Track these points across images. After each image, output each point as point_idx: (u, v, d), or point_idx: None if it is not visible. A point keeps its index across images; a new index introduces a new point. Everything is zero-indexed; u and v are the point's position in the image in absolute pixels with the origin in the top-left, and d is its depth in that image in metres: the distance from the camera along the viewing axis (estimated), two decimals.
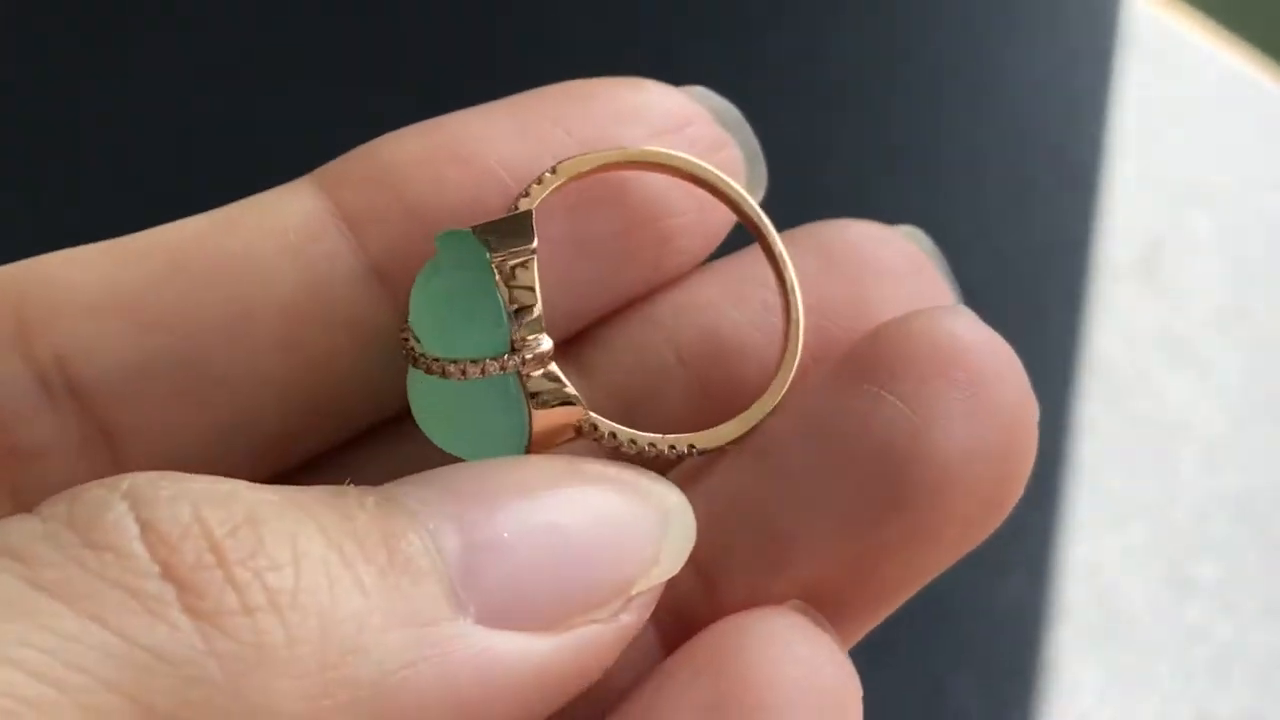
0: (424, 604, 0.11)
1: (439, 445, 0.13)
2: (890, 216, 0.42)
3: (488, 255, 0.13)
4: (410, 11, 0.45)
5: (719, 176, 0.15)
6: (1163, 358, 0.43)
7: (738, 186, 0.15)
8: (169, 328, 0.14)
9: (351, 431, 0.15)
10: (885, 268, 0.15)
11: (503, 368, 0.13)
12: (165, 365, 0.14)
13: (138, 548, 0.10)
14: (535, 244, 0.13)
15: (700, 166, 0.15)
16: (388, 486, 0.12)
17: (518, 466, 0.13)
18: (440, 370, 0.13)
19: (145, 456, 0.14)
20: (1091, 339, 0.41)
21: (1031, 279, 0.43)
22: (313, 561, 0.11)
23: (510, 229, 0.14)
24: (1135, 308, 0.43)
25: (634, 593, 0.12)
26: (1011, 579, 0.38)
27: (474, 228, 0.13)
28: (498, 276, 0.13)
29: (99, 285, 0.14)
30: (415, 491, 0.12)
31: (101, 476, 0.13)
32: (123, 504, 0.10)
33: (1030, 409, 0.13)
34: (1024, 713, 0.36)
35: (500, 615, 0.12)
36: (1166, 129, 0.47)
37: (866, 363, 0.13)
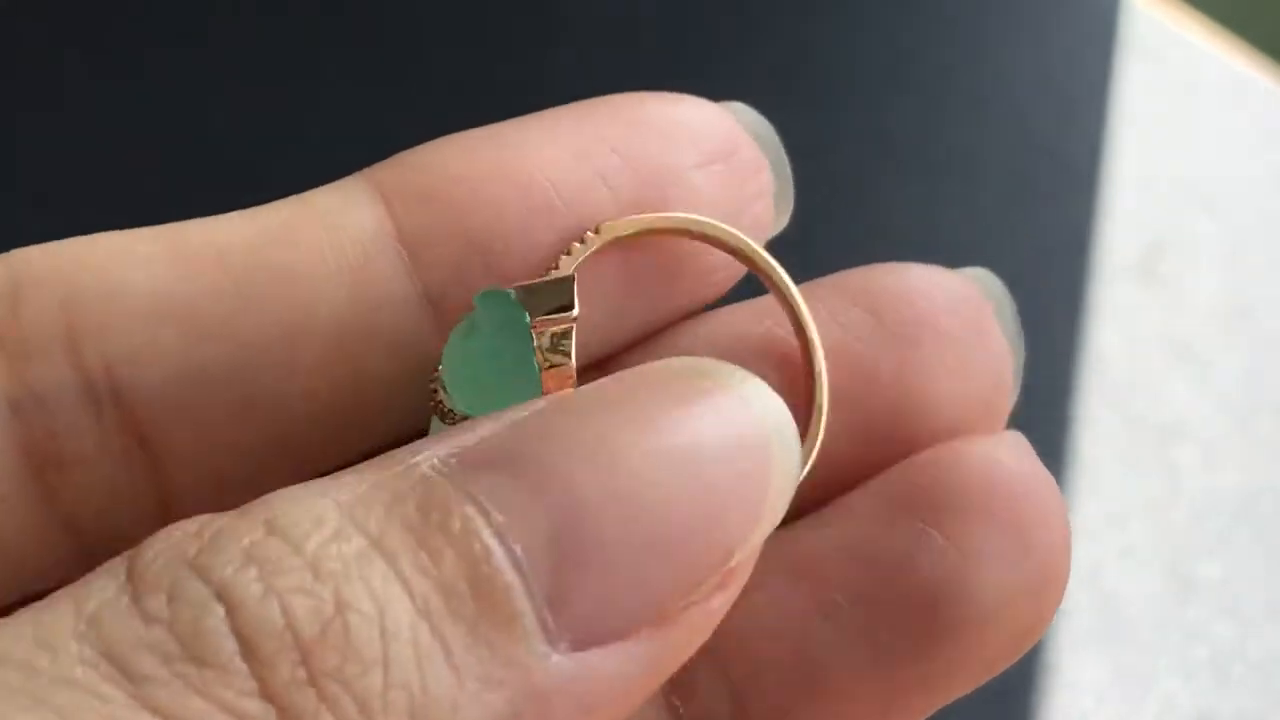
0: (516, 652, 0.11)
1: None
2: (888, 216, 0.42)
3: (527, 321, 0.13)
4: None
5: (756, 251, 0.15)
6: (1163, 358, 0.42)
7: (773, 264, 0.15)
8: (221, 339, 0.13)
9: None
10: (941, 329, 0.14)
11: None
12: (213, 378, 0.14)
13: (238, 664, 0.10)
14: (576, 312, 0.13)
15: (740, 240, 0.15)
16: (457, 469, 0.11)
17: (587, 410, 0.11)
18: None
19: (185, 469, 0.14)
20: (1091, 339, 0.42)
21: (1031, 279, 0.39)
22: (401, 645, 0.10)
23: (552, 294, 0.13)
24: (1135, 308, 0.43)
25: (733, 564, 0.11)
26: None
27: (516, 289, 0.13)
28: (536, 343, 0.13)
29: (153, 291, 0.14)
30: (488, 486, 0.11)
31: (139, 487, 0.14)
32: (219, 609, 0.10)
33: (1067, 543, 0.13)
34: (1024, 714, 0.36)
35: (596, 635, 0.11)
36: (1166, 129, 0.46)
37: (914, 495, 0.13)
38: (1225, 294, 0.43)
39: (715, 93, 0.47)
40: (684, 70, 0.47)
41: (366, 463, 0.11)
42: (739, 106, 0.16)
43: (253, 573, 0.10)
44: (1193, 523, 0.39)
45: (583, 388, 0.12)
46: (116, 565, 0.10)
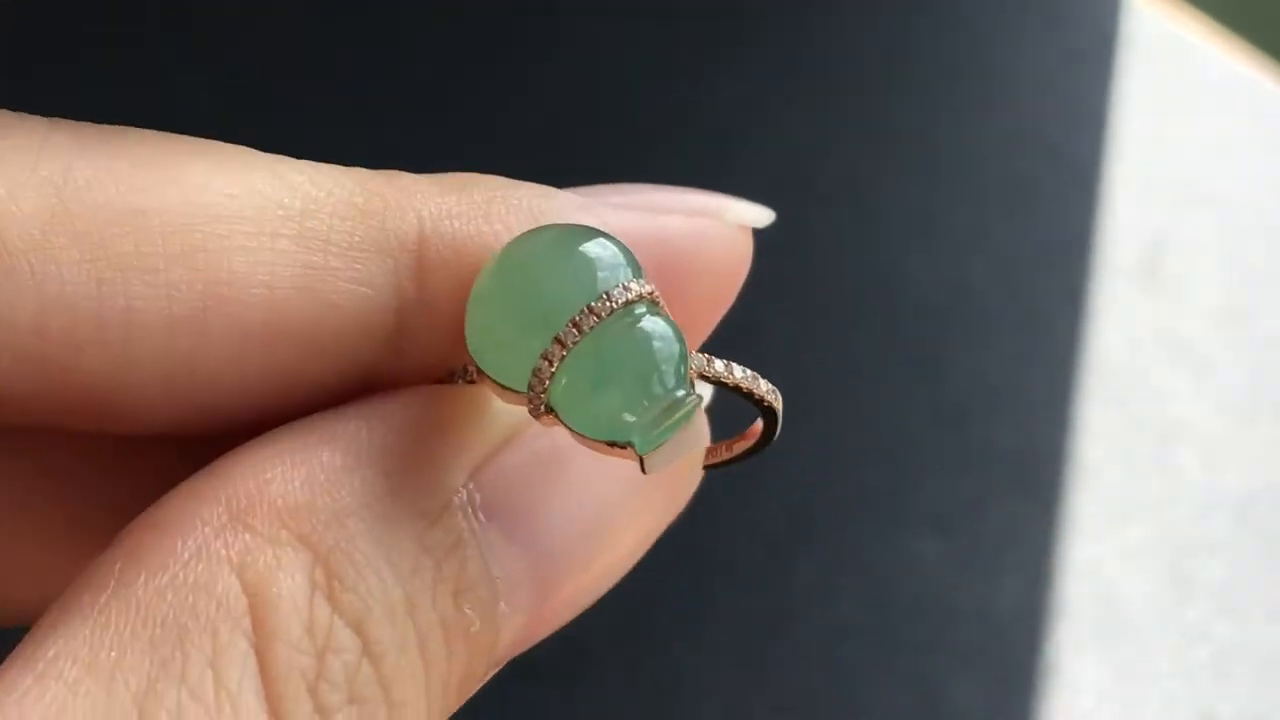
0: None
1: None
2: (889, 216, 0.42)
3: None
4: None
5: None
6: (1163, 358, 0.42)
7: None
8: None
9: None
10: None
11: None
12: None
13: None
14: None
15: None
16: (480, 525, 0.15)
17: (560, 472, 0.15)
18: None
19: None
20: (1092, 339, 0.42)
21: (1032, 279, 0.44)
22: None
23: None
24: (1136, 308, 0.43)
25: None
26: (1010, 580, 0.39)
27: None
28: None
29: None
30: (503, 576, 0.15)
31: None
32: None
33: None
34: (1024, 714, 0.36)
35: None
36: (1167, 129, 0.47)
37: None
38: (1226, 294, 0.44)
39: (716, 95, 0.45)
40: (685, 72, 0.47)
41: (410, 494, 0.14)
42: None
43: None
44: (1193, 522, 0.40)
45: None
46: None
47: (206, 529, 0.13)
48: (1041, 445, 0.41)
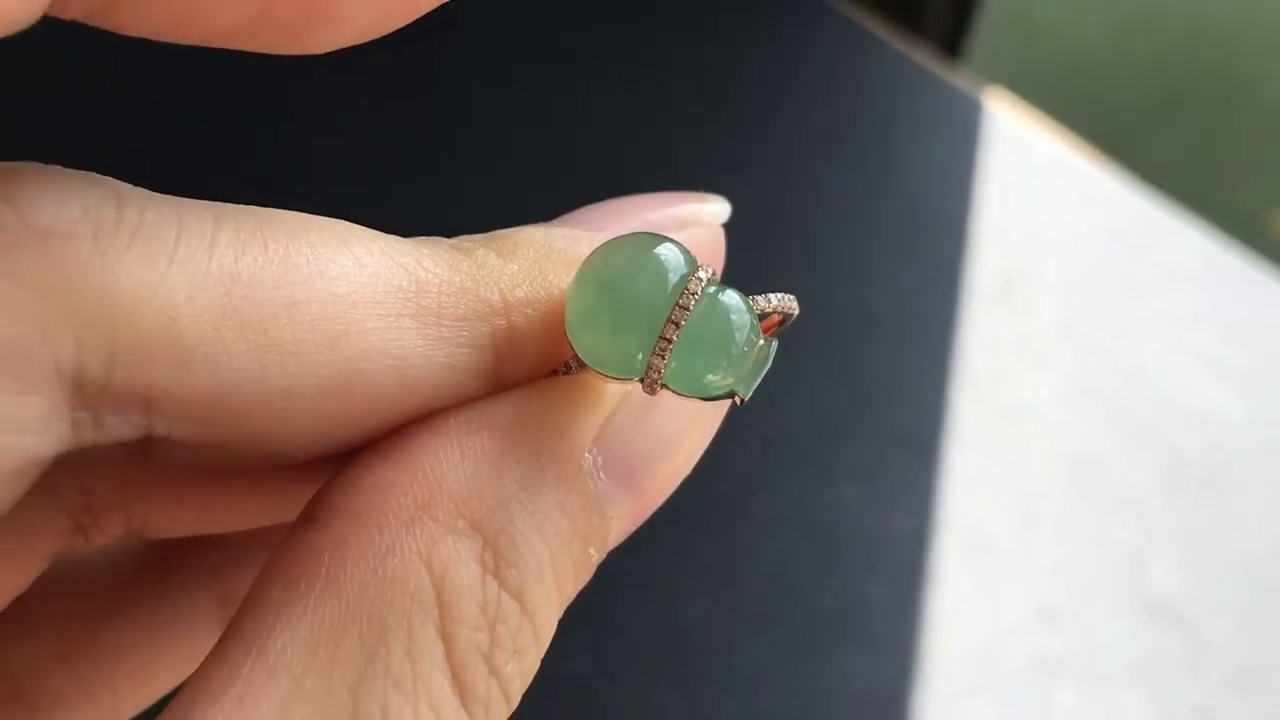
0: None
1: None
2: (816, 252, 0.47)
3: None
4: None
5: None
6: (1016, 361, 0.45)
7: None
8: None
9: None
10: None
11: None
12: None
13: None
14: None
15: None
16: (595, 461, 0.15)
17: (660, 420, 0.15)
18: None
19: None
20: (963, 345, 0.45)
21: (921, 304, 0.47)
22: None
23: None
24: (996, 324, 0.46)
25: None
26: (907, 515, 0.42)
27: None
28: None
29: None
30: (616, 515, 0.15)
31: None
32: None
33: None
34: (918, 607, 0.40)
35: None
36: (1018, 196, 0.50)
37: None
38: (1060, 314, 0.47)
39: (705, 154, 0.49)
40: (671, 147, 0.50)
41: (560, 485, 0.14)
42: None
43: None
44: (1036, 477, 0.43)
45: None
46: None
47: (398, 522, 0.13)
48: (929, 421, 0.44)
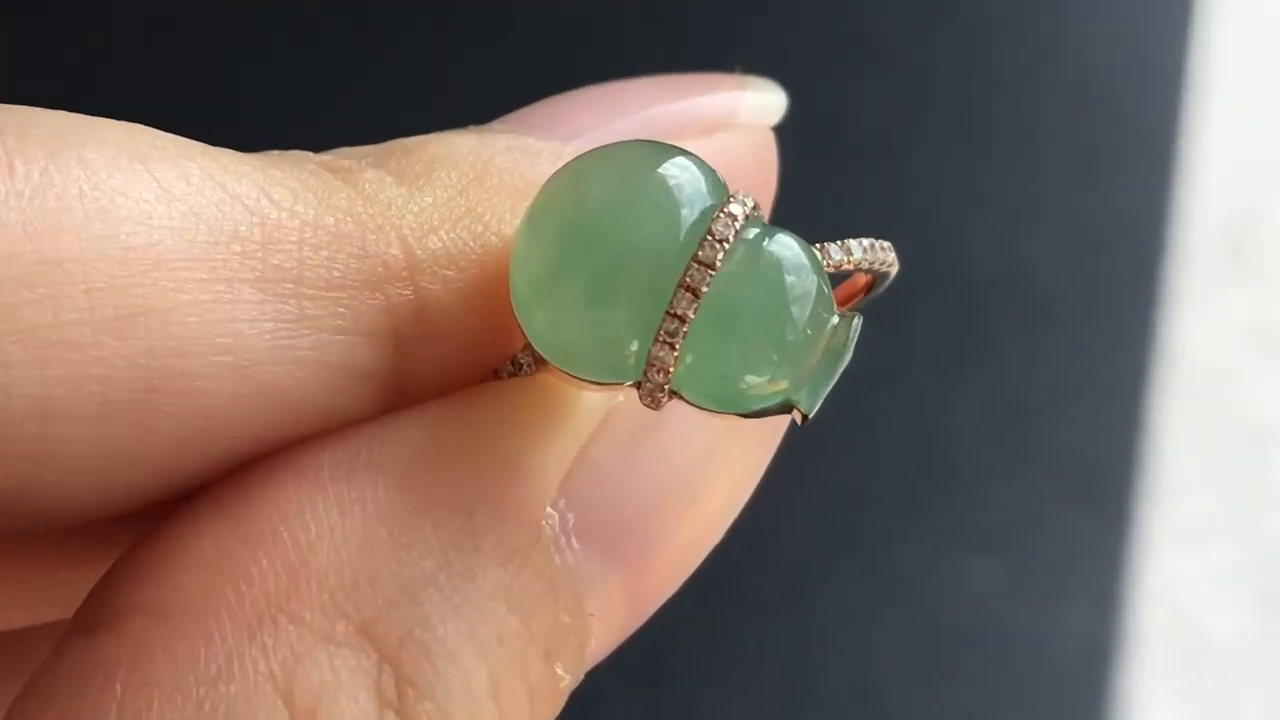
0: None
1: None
2: (932, 188, 0.42)
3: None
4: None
5: None
6: (1251, 351, 0.42)
7: None
8: None
9: None
10: None
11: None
12: None
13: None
14: None
15: None
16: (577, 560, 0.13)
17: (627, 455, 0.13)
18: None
19: None
20: (1169, 331, 0.39)
21: (1099, 262, 0.41)
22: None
23: None
24: (1220, 295, 0.42)
25: None
26: (1074, 606, 0.38)
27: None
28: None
29: None
30: (600, 610, 0.13)
31: None
32: None
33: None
34: None
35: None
36: (1255, 91, 0.46)
37: None
38: None
39: (751, 47, 0.44)
40: (726, 20, 0.44)
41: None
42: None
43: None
44: None
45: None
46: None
47: (237, 625, 0.11)
48: (1110, 450, 0.39)
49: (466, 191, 0.13)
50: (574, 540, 0.13)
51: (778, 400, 0.12)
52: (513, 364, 0.13)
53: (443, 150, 0.13)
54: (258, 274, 0.12)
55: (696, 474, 0.14)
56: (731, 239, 0.12)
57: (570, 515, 0.13)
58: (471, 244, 0.13)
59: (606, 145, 0.13)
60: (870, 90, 0.43)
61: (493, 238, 0.13)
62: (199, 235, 0.12)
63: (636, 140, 0.13)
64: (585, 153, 0.13)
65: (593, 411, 0.13)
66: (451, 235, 0.13)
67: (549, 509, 0.13)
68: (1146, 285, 0.40)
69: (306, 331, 0.12)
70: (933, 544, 0.37)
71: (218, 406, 0.12)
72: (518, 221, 0.13)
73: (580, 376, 0.13)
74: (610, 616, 0.13)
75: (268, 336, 0.12)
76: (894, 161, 0.42)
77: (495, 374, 0.13)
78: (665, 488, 0.13)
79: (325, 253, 0.12)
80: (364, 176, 0.13)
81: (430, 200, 0.13)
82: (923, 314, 0.39)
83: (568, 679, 0.13)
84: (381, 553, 0.12)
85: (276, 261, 0.12)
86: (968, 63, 0.44)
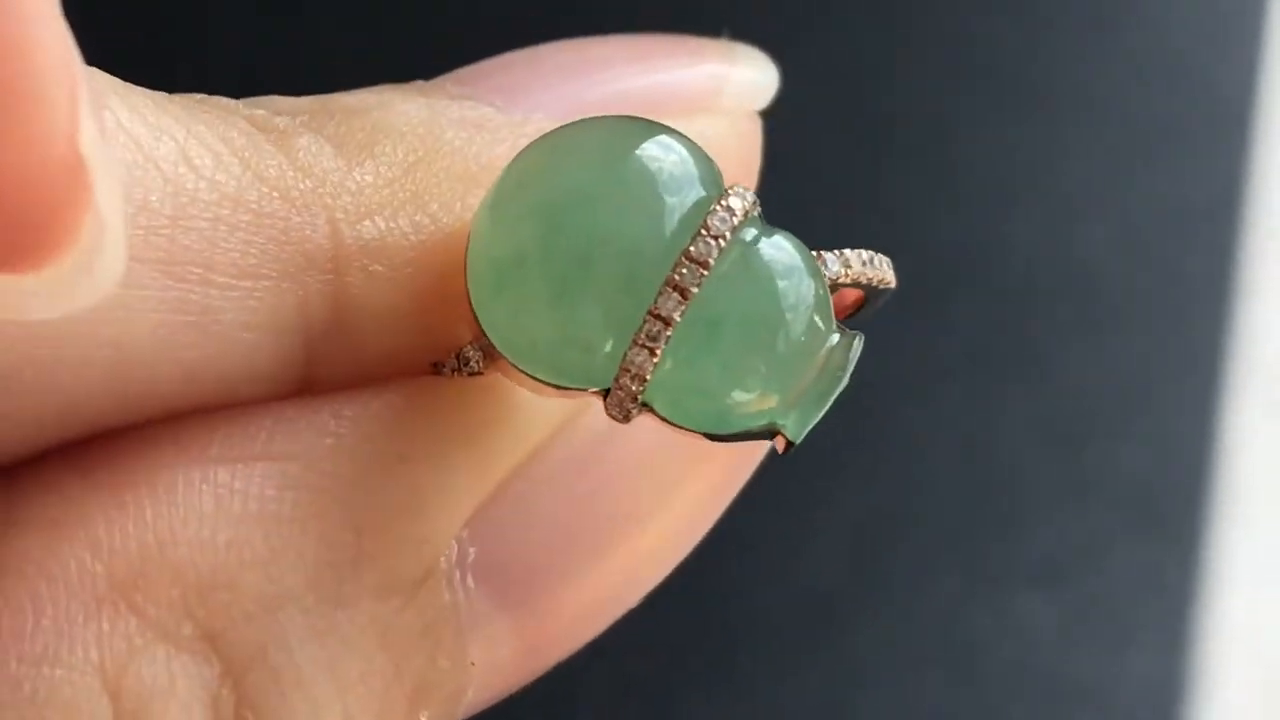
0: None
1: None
2: (976, 169, 0.40)
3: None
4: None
5: None
6: None
7: None
8: None
9: None
10: None
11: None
12: None
13: None
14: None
15: None
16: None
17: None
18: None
19: None
20: (1247, 330, 0.38)
21: (1168, 245, 0.39)
22: None
23: None
24: None
25: None
26: (1141, 647, 0.36)
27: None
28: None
29: None
30: (483, 660, 0.13)
31: None
32: None
33: None
34: None
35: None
36: None
37: None
38: None
39: (786, 11, 0.40)
40: None
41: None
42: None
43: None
44: None
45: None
46: None
47: (72, 602, 0.11)
48: (1178, 473, 0.37)
49: (413, 171, 0.13)
50: (469, 578, 0.13)
51: (762, 422, 0.12)
52: (458, 358, 0.13)
53: (388, 118, 0.13)
54: (162, 255, 0.11)
55: (643, 504, 0.13)
56: (729, 236, 0.12)
57: (472, 549, 0.12)
58: (410, 236, 0.12)
59: (587, 119, 0.13)
60: (903, 56, 0.40)
61: (435, 230, 0.13)
62: None
63: (620, 116, 0.13)
64: (563, 126, 0.13)
65: (535, 428, 0.13)
66: (389, 223, 0.12)
67: (452, 540, 0.12)
68: (1222, 283, 0.38)
69: (211, 326, 0.11)
70: (977, 580, 0.36)
71: (92, 400, 0.11)
72: (466, 213, 0.13)
73: (539, 378, 0.12)
74: (501, 664, 0.13)
75: (162, 331, 0.11)
76: (932, 139, 0.39)
77: (436, 368, 0.13)
78: (592, 526, 0.13)
79: (243, 234, 0.12)
80: (299, 142, 0.12)
81: (370, 178, 0.12)
82: (964, 315, 0.37)
83: None
84: (250, 557, 0.11)
85: (186, 242, 0.11)
86: (1018, 27, 0.41)
